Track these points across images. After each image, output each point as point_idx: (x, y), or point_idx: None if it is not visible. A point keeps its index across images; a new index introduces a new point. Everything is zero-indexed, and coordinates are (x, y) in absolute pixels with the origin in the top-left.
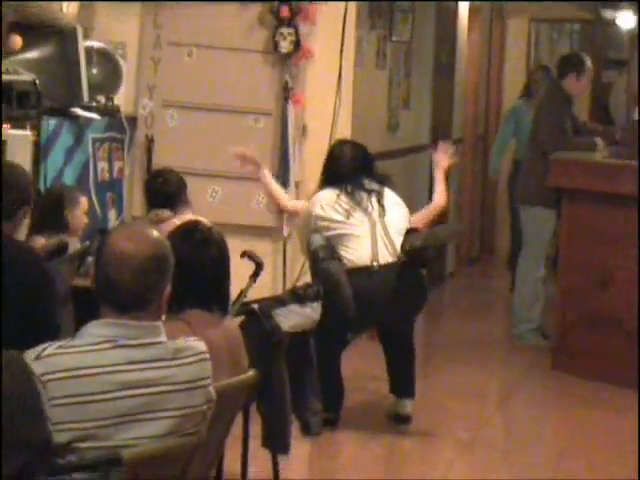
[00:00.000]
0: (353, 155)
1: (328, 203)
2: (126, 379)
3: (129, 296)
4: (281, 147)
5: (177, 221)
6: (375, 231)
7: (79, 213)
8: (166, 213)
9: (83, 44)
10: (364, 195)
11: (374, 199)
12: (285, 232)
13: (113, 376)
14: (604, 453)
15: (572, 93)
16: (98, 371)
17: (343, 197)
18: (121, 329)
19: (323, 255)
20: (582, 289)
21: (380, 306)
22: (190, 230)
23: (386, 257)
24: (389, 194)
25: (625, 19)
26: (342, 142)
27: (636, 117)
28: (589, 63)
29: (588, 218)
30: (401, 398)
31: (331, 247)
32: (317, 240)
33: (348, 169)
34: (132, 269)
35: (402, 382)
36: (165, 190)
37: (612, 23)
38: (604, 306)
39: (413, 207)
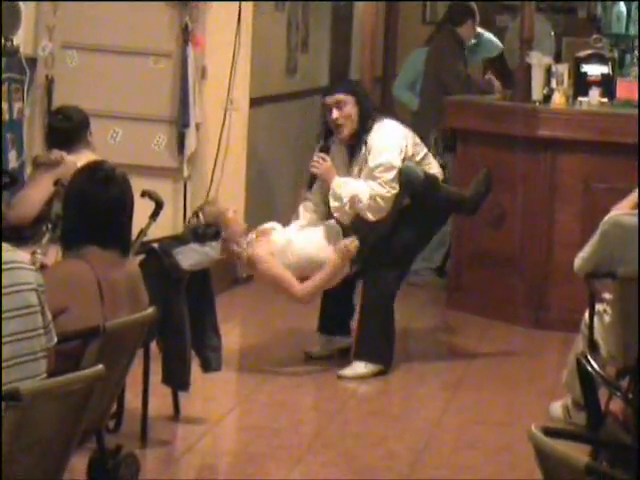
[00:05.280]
0: None
1: (402, 128)
2: None
3: None
4: (181, 89)
5: (78, 163)
6: None
7: None
8: (63, 155)
9: None
10: None
11: None
12: (185, 173)
13: None
14: (493, 386)
15: (466, 40)
16: None
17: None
18: None
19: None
20: (475, 229)
21: None
22: (94, 169)
23: None
24: None
25: None
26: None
27: (529, 61)
28: None
29: (481, 159)
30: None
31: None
32: (419, 170)
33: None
34: None
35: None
36: (65, 127)
37: None
38: (496, 245)
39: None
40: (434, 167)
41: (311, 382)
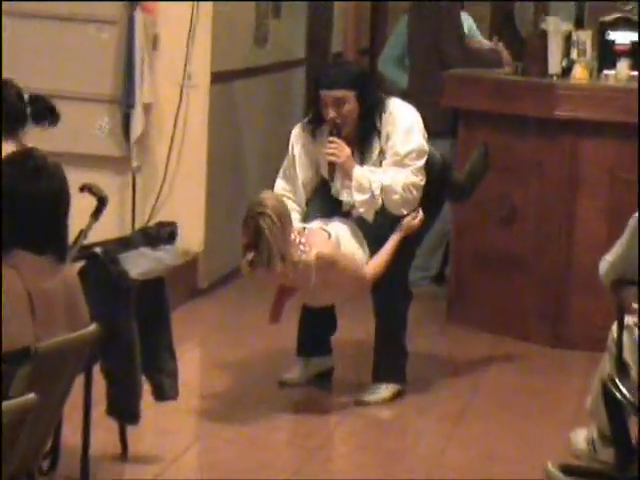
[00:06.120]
0: None
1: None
2: None
3: None
4: (126, 62)
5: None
6: None
7: None
8: None
9: None
10: None
11: None
12: (134, 163)
13: None
14: (503, 416)
15: None
16: None
17: None
18: None
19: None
20: (480, 228)
21: None
22: (21, 159)
23: None
24: None
25: None
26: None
27: (544, 27)
28: None
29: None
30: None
31: None
32: (437, 153)
33: None
34: None
35: None
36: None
37: None
38: (505, 247)
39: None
40: (434, 149)
41: (287, 413)
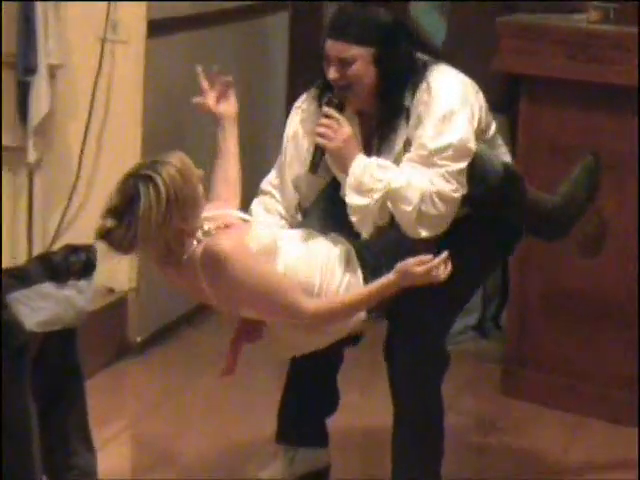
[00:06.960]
0: None
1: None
2: None
3: None
4: (22, 6)
5: None
6: None
7: None
8: None
9: None
10: None
11: None
12: (32, 156)
13: None
14: None
15: None
16: None
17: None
18: None
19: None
20: (552, 257)
21: None
22: None
23: None
24: None
25: None
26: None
27: None
28: None
29: (561, 127)
30: None
31: None
32: (495, 158)
33: None
34: None
35: None
36: None
37: None
38: (589, 285)
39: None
40: (504, 151)
41: None
